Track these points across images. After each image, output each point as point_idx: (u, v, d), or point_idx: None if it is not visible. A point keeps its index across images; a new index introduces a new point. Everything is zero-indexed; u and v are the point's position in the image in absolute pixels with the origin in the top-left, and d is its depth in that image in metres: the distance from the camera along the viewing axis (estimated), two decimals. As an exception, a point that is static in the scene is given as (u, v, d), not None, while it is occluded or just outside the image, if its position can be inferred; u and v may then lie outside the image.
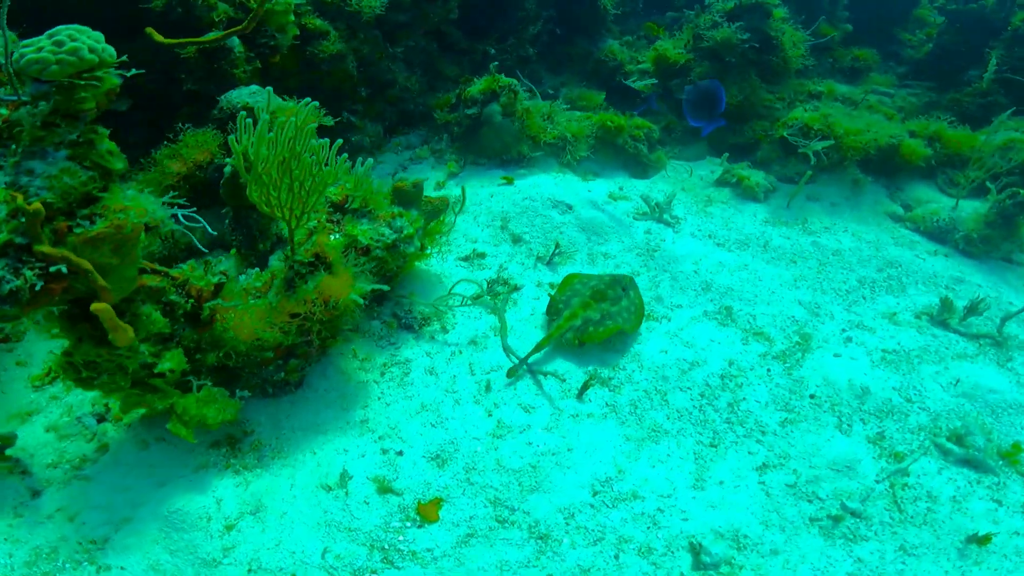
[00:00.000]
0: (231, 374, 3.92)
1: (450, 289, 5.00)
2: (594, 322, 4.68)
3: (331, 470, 3.84)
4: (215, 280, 3.51)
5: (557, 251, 5.48)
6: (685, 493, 3.89)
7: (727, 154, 6.89)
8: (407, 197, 4.41)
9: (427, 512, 3.76)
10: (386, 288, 3.85)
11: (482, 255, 5.53)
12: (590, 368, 4.58)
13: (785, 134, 6.63)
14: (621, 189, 6.51)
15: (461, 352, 4.65)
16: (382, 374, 4.45)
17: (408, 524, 3.66)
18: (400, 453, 4.00)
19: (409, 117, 7.08)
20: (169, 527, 3.48)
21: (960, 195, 6.48)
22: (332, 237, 3.93)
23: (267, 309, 3.64)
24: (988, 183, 6.23)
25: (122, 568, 3.34)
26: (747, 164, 7.03)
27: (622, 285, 4.90)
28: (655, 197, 6.32)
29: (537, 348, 4.50)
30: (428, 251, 4.94)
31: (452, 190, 6.35)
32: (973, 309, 5.12)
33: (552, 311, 4.84)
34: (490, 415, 4.24)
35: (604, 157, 7.08)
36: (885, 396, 4.51)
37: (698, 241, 5.92)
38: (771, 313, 5.16)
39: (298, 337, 3.84)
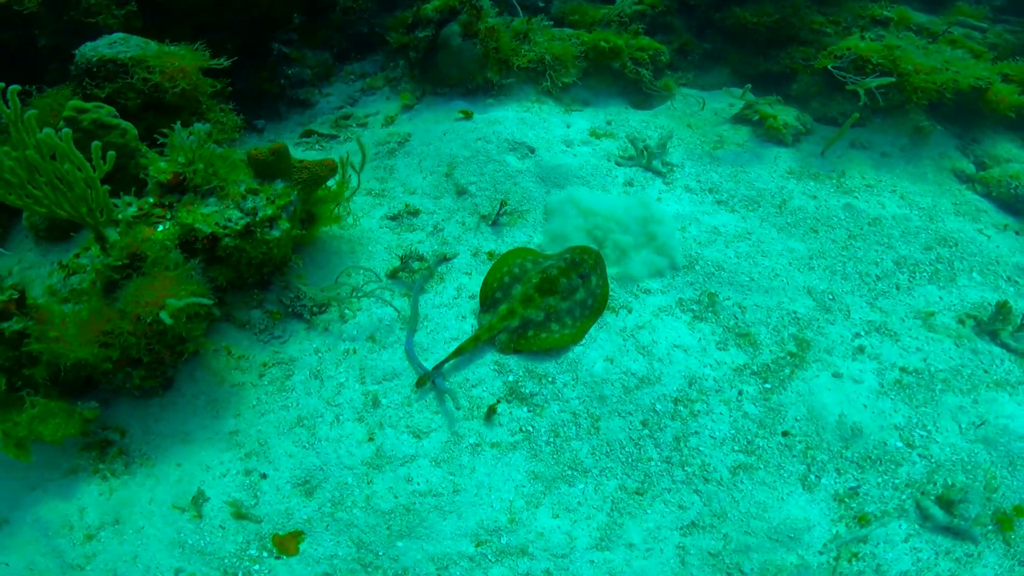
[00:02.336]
0: (89, 379, 3.52)
1: (336, 277, 4.16)
2: (535, 324, 3.85)
3: (190, 488, 3.43)
4: (4, 297, 2.89)
5: (503, 210, 4.58)
6: (583, 555, 3.17)
7: (749, 85, 5.63)
8: (266, 167, 3.55)
9: (284, 545, 3.34)
10: (208, 302, 3.10)
11: (415, 212, 4.69)
12: (511, 378, 3.80)
13: (830, 66, 5.28)
14: (609, 124, 5.43)
15: (355, 351, 3.93)
16: (261, 375, 3.82)
17: (266, 554, 3.26)
18: (264, 476, 3.48)
19: (363, 41, 6.11)
20: (39, 532, 3.32)
21: (1056, 149, 5.11)
22: (159, 228, 3.19)
23: (78, 322, 3.00)
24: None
25: (6, 564, 3.24)
26: (776, 99, 5.77)
27: (581, 271, 3.97)
28: (647, 136, 5.23)
29: (456, 353, 3.74)
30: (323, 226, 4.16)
31: (403, 126, 5.44)
32: (1032, 322, 4.00)
33: (485, 298, 4.00)
34: (371, 439, 3.56)
35: (598, 83, 5.95)
36: (880, 438, 3.59)
37: (693, 197, 4.87)
38: (767, 305, 4.17)
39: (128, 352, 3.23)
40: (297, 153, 5.26)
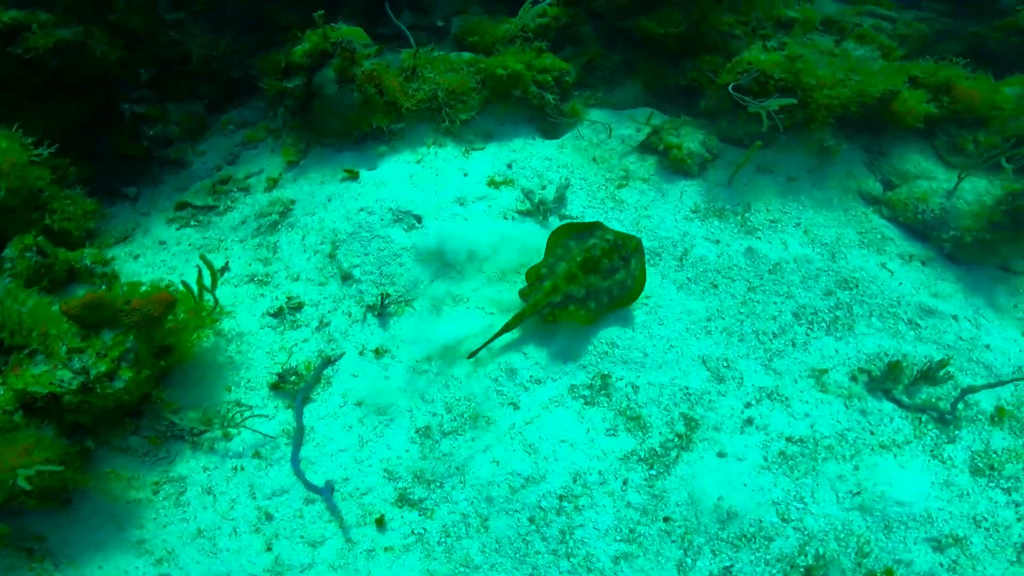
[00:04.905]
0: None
1: (216, 393, 4.22)
2: (576, 300, 4.29)
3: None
4: None
5: (387, 300, 4.57)
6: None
7: (652, 111, 5.57)
8: (86, 319, 3.48)
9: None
10: (57, 468, 3.12)
11: (298, 306, 4.69)
12: (401, 484, 3.96)
13: (731, 87, 5.22)
14: (510, 166, 5.39)
15: (243, 468, 4.05)
16: (155, 492, 3.98)
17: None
18: (178, 581, 3.70)
19: (240, 86, 5.87)
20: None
21: (965, 169, 5.14)
22: (-4, 391, 3.17)
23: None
24: (1003, 161, 4.89)
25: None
26: (682, 121, 5.72)
27: (623, 253, 4.39)
28: (548, 181, 5.21)
29: (504, 330, 4.21)
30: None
31: (286, 189, 5.34)
32: (928, 375, 4.16)
33: (531, 277, 4.41)
34: (269, 549, 3.79)
35: (503, 112, 5.86)
36: (756, 515, 3.81)
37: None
38: (660, 382, 4.29)
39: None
40: (172, 232, 5.19)
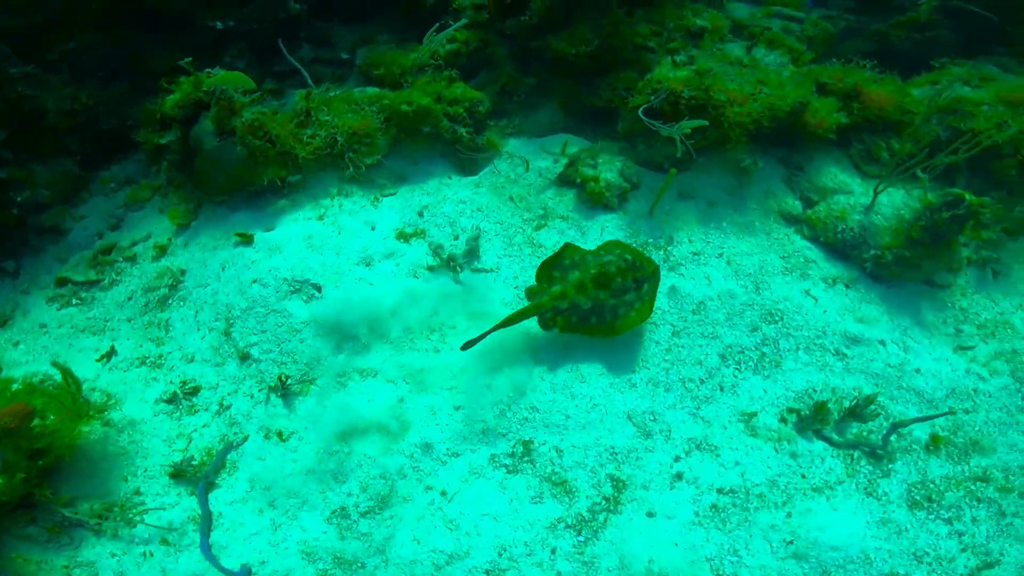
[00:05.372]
0: None
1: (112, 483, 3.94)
2: (580, 311, 4.25)
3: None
4: None
5: (288, 381, 4.30)
6: None
7: (567, 139, 5.37)
8: None
9: None
10: None
11: (195, 390, 4.39)
12: (322, 566, 3.73)
13: (640, 111, 5.04)
14: (421, 214, 5.14)
15: (152, 554, 3.79)
16: (68, 575, 3.72)
17: None
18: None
19: (119, 138, 5.45)
20: None
21: (881, 179, 5.08)
22: None
23: None
24: (919, 171, 4.83)
25: None
26: (600, 147, 5.55)
27: (637, 276, 4.34)
28: (460, 229, 4.97)
29: (503, 324, 4.15)
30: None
31: (177, 257, 4.99)
32: (856, 412, 4.07)
33: (541, 278, 4.37)
34: None
35: (414, 149, 5.61)
36: (690, 574, 3.67)
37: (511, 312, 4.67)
38: (585, 444, 4.12)
39: None
40: (53, 312, 4.82)
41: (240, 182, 4.95)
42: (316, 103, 5.14)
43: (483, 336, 4.14)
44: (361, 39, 6.26)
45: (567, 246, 4.51)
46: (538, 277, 4.41)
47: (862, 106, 5.33)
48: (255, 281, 4.65)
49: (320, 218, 5.02)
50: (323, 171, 5.27)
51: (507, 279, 4.79)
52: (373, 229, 5.00)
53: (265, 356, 4.44)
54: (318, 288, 4.61)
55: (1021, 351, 4.63)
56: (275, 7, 5.65)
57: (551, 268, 4.39)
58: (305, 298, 4.60)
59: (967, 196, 4.53)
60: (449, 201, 5.28)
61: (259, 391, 4.34)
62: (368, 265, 4.76)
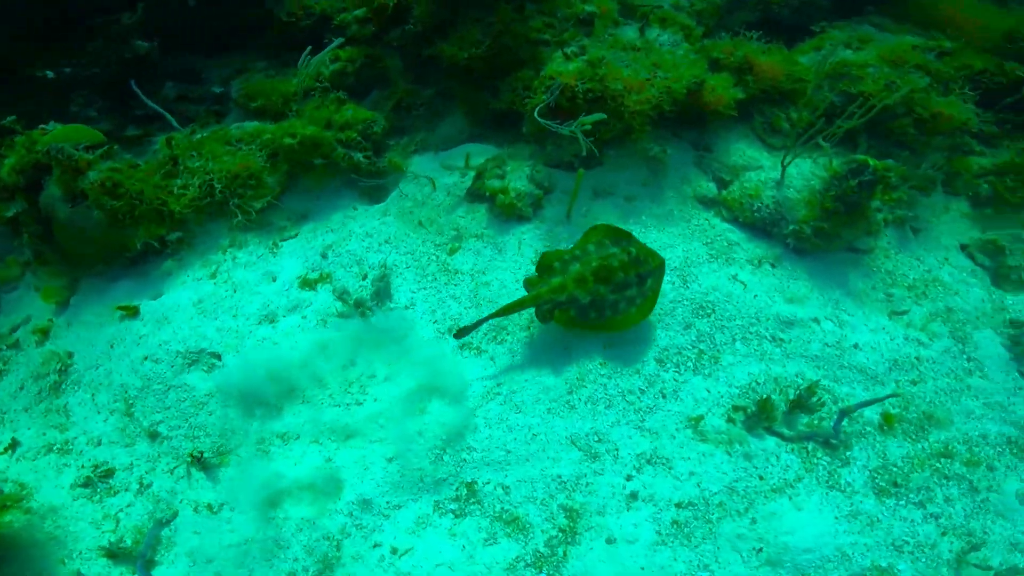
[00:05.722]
0: None
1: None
2: (578, 305, 4.13)
3: None
4: None
5: (203, 455, 3.96)
6: None
7: (470, 150, 5.10)
8: None
9: None
10: None
11: (110, 472, 4.01)
12: None
13: (537, 110, 4.79)
14: (325, 256, 4.78)
15: None
16: None
17: None
18: None
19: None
20: None
21: (786, 152, 4.97)
22: None
23: None
24: (820, 140, 4.75)
25: None
26: (507, 154, 5.28)
27: (640, 271, 4.21)
28: (368, 267, 4.65)
29: (499, 312, 4.10)
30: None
31: (61, 339, 4.52)
32: (801, 403, 3.96)
33: (543, 268, 4.25)
34: None
35: (314, 183, 5.24)
36: (663, 602, 3.52)
37: (432, 350, 4.38)
38: (531, 476, 3.90)
39: None
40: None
41: (111, 249, 4.49)
42: (182, 148, 4.69)
43: (479, 323, 4.14)
44: (235, 70, 5.79)
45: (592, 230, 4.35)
46: (539, 267, 4.28)
47: (756, 78, 5.23)
48: (146, 358, 4.27)
49: (212, 276, 4.62)
50: (210, 222, 4.85)
51: (424, 314, 4.50)
52: (274, 280, 4.63)
53: (175, 432, 4.09)
54: (217, 356, 4.25)
55: (955, 308, 4.63)
56: (118, 48, 5.10)
57: (553, 259, 4.26)
58: (206, 368, 4.24)
59: (871, 162, 4.47)
60: (355, 236, 4.94)
61: (178, 467, 4.01)
62: (272, 322, 4.40)
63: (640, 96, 4.83)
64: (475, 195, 5.14)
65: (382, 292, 4.48)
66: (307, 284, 4.60)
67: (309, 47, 4.91)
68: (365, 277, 4.58)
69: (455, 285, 4.65)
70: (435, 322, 4.46)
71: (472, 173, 5.21)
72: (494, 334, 4.44)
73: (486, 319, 4.14)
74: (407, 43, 5.74)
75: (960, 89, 5.17)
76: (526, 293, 4.20)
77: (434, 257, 4.82)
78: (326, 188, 5.32)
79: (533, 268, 4.71)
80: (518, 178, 5.08)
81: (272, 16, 5.65)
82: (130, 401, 4.17)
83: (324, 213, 5.20)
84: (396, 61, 5.96)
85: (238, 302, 4.47)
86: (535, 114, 4.76)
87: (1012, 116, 5.30)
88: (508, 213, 4.99)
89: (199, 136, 4.88)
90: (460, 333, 4.14)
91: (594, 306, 4.14)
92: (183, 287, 4.57)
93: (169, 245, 4.64)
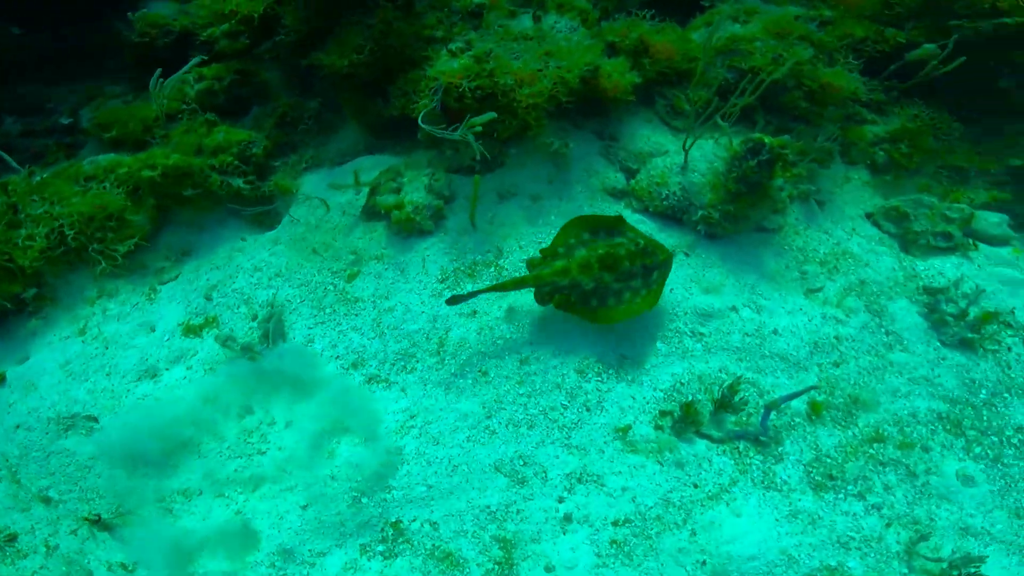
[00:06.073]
0: None
1: None
2: (581, 291, 4.03)
3: None
4: None
5: (100, 519, 3.63)
6: None
7: (357, 170, 4.74)
8: None
9: None
10: None
11: (12, 536, 3.63)
12: None
13: (421, 116, 4.47)
14: (209, 298, 4.37)
15: None
16: None
17: None
18: None
19: None
20: None
21: (689, 133, 4.81)
22: None
23: None
24: (718, 119, 4.62)
25: None
26: (403, 164, 4.96)
27: (647, 262, 4.10)
28: (257, 307, 4.27)
29: (496, 288, 4.04)
30: None
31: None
32: (725, 404, 3.83)
33: (547, 252, 4.16)
34: None
35: (193, 214, 4.80)
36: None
37: (336, 387, 4.06)
38: (458, 510, 3.67)
39: None
40: None
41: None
42: (20, 194, 4.17)
43: (473, 295, 4.05)
44: (86, 97, 5.23)
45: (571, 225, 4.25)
46: (544, 250, 4.19)
47: (652, 60, 5.05)
48: (18, 427, 3.90)
49: (80, 333, 4.17)
50: (70, 273, 4.39)
51: (325, 350, 4.18)
52: (153, 330, 4.21)
53: (67, 496, 3.74)
54: (94, 419, 3.87)
55: (868, 280, 4.60)
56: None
57: (557, 244, 4.19)
58: (84, 432, 3.86)
59: (766, 139, 4.36)
60: (243, 272, 4.55)
61: (79, 528, 3.64)
62: (153, 377, 4.02)
63: (533, 89, 4.57)
64: (372, 212, 4.80)
65: (274, 332, 4.11)
66: (191, 331, 4.21)
67: (159, 69, 4.43)
68: (255, 318, 4.20)
69: (355, 316, 4.33)
70: (337, 357, 4.14)
71: (367, 190, 4.87)
72: (403, 363, 4.16)
73: (481, 291, 4.06)
74: (282, 54, 5.33)
75: (844, 59, 5.14)
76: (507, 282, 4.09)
77: (331, 287, 4.47)
78: (209, 219, 4.93)
79: (439, 286, 4.45)
80: (415, 189, 4.76)
81: (122, 37, 5.11)
82: (13, 468, 3.79)
83: (208, 247, 4.81)
84: (275, 74, 5.53)
85: (111, 359, 4.06)
86: (420, 120, 4.45)
87: (897, 83, 5.33)
88: (407, 229, 4.67)
89: (40, 177, 4.36)
90: (452, 301, 4.03)
91: (597, 293, 4.03)
92: (48, 348, 4.12)
93: (29, 303, 4.14)
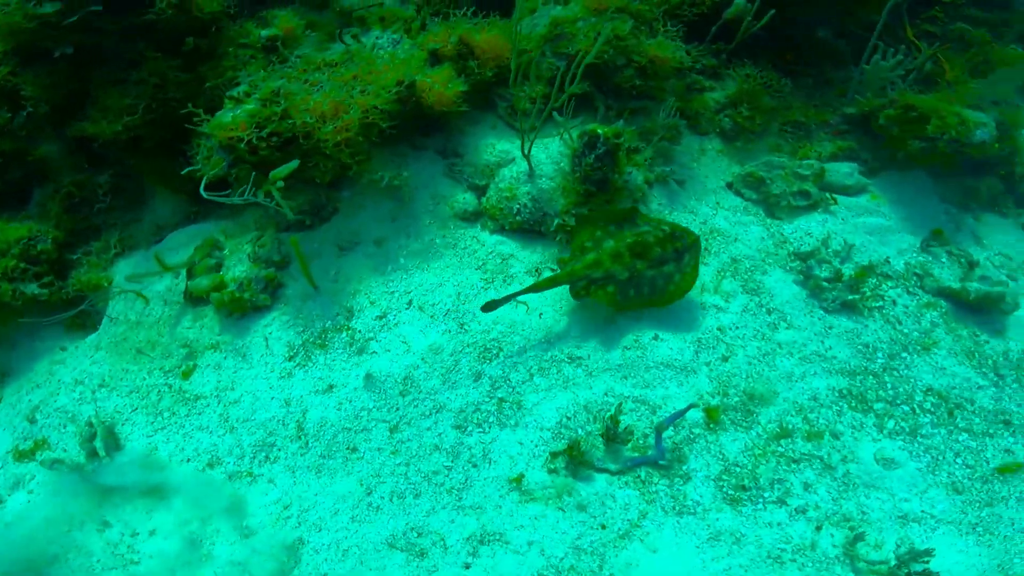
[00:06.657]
0: None
1: None
2: (616, 281, 3.97)
3: None
4: None
5: None
6: None
7: (171, 239, 4.20)
8: None
9: None
10: None
11: None
12: None
13: (203, 182, 3.95)
14: (34, 421, 3.93)
15: None
16: None
17: None
18: None
19: None
20: None
21: (524, 136, 4.48)
22: None
23: None
24: (556, 115, 4.31)
25: None
26: (221, 229, 4.43)
27: (677, 246, 4.08)
28: (82, 423, 3.68)
29: (531, 289, 3.94)
30: None
31: None
32: (611, 436, 3.54)
33: (575, 248, 4.11)
34: None
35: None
36: None
37: (197, 489, 3.56)
38: (346, 625, 3.23)
39: None
40: None
41: None
42: None
43: (508, 299, 3.91)
44: None
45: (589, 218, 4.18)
46: (572, 248, 4.15)
47: (480, 61, 4.68)
48: None
49: None
50: None
51: (173, 455, 3.71)
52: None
53: None
54: None
55: (739, 256, 4.42)
56: None
57: (581, 241, 4.12)
58: None
59: (599, 131, 4.11)
60: (64, 388, 4.04)
61: None
62: (-2, 505, 3.49)
63: (338, 123, 4.12)
64: (193, 298, 4.26)
65: (106, 447, 3.67)
66: (23, 456, 3.80)
67: None
68: (92, 439, 3.67)
69: (199, 414, 3.84)
70: (189, 460, 3.69)
71: (184, 272, 4.32)
72: (264, 454, 3.71)
73: (516, 295, 3.94)
74: (36, 129, 4.64)
75: (664, 27, 4.93)
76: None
77: (166, 388, 3.95)
78: (18, 334, 4.33)
79: (289, 364, 3.98)
80: (238, 262, 4.26)
81: None
82: None
83: (26, 364, 4.29)
84: (54, 146, 4.81)
85: None
86: (201, 189, 3.93)
87: (723, 45, 5.18)
88: (238, 309, 4.17)
89: None
90: (488, 307, 3.91)
91: (632, 283, 3.96)
92: None
93: None
